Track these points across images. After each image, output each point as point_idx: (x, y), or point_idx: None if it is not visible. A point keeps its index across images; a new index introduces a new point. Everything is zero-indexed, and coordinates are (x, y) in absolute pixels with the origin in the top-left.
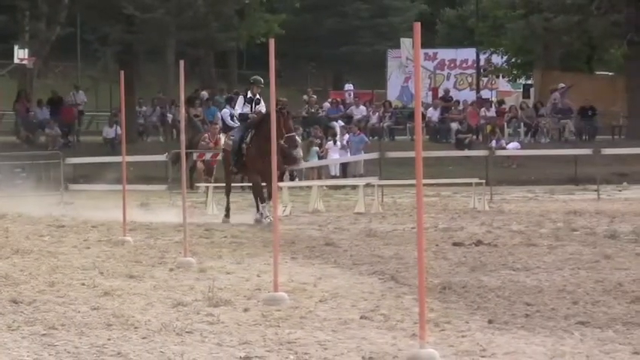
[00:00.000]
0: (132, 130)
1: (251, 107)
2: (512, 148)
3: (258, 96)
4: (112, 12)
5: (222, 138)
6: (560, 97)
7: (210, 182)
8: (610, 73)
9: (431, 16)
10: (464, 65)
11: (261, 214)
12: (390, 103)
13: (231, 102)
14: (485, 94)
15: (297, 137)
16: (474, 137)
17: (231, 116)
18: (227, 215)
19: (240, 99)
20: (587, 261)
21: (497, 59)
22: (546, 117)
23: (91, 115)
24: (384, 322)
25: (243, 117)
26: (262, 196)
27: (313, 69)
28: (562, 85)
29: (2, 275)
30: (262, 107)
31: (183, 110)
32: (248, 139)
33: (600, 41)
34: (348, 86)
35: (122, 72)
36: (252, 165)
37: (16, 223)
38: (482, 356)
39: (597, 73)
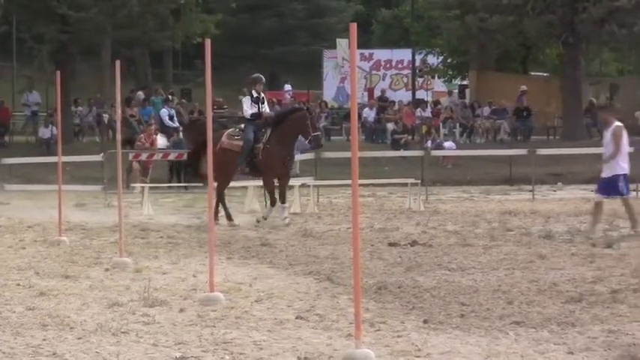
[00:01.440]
0: (68, 130)
1: (258, 106)
2: (448, 147)
3: (262, 94)
4: (45, 11)
5: (159, 139)
6: (519, 99)
7: (146, 182)
8: (545, 74)
9: (367, 17)
10: (399, 66)
11: (267, 213)
12: (326, 104)
13: (168, 102)
14: (420, 94)
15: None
16: (410, 137)
17: (170, 117)
18: (230, 218)
19: (247, 99)
20: (522, 261)
21: (433, 60)
22: (482, 117)
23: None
24: (319, 322)
25: (255, 116)
26: (274, 197)
27: (249, 69)
28: (524, 87)
29: None
30: (266, 106)
31: (119, 110)
32: (264, 139)
33: (535, 42)
34: (287, 87)
35: (58, 72)
36: (269, 166)
37: None
38: (418, 356)
39: (532, 73)
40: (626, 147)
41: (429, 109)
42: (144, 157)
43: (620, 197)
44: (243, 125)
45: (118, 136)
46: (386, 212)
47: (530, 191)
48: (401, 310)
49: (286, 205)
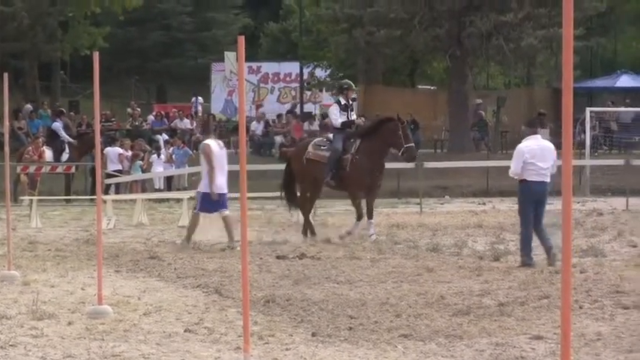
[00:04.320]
0: None
1: (347, 115)
2: None
3: (351, 102)
4: None
5: (47, 151)
6: (474, 114)
7: (34, 195)
8: (432, 87)
9: (255, 30)
10: (287, 79)
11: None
12: (214, 116)
13: (61, 115)
14: (308, 107)
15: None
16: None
17: (65, 128)
18: (313, 233)
19: (335, 107)
20: (410, 274)
21: (321, 73)
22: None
23: None
24: (208, 335)
25: (345, 125)
26: (361, 212)
27: (137, 82)
28: (479, 100)
29: None
30: (353, 115)
31: (7, 123)
32: (353, 150)
33: (422, 55)
34: (197, 99)
35: None
36: (356, 179)
37: None
38: None
39: (419, 87)
40: (220, 163)
41: (316, 123)
42: (32, 169)
43: (220, 211)
44: (331, 135)
45: (6, 149)
46: (274, 225)
47: (418, 204)
48: (289, 323)
49: (373, 220)
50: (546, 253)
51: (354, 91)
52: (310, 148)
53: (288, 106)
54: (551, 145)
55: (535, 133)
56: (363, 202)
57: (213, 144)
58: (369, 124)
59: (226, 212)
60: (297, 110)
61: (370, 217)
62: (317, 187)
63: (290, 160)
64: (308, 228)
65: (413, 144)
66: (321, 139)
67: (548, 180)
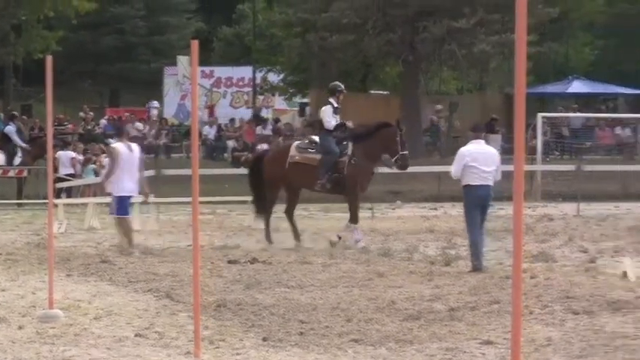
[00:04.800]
0: None
1: (338, 117)
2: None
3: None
4: None
5: None
6: (437, 119)
7: None
8: (385, 92)
9: (208, 34)
10: (240, 83)
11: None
12: (166, 121)
13: (13, 119)
14: (261, 112)
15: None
16: (250, 155)
17: (18, 132)
18: (297, 238)
19: (328, 109)
20: (361, 279)
21: (274, 77)
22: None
23: None
24: (158, 339)
25: (339, 127)
26: (358, 215)
27: (90, 86)
28: (439, 106)
29: None
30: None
31: None
32: (349, 153)
33: (375, 60)
34: (153, 103)
35: None
36: (356, 182)
37: None
38: None
39: (372, 92)
40: (128, 166)
41: (269, 127)
42: None
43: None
44: (314, 137)
45: None
46: (226, 230)
47: (370, 209)
48: (240, 328)
49: (358, 226)
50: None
51: (343, 95)
52: (295, 152)
53: (242, 111)
54: (493, 151)
55: (479, 137)
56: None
57: (122, 147)
58: (366, 128)
59: (127, 217)
60: (262, 114)
61: (353, 221)
62: (297, 191)
63: (264, 164)
64: (268, 233)
65: (407, 152)
66: (303, 141)
67: (491, 184)
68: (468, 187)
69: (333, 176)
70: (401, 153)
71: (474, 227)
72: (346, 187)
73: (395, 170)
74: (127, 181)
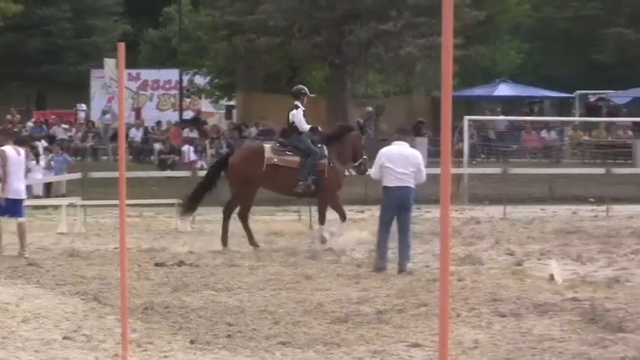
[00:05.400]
0: None
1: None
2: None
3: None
4: None
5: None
6: (366, 122)
7: None
8: (311, 95)
9: (134, 37)
10: (167, 86)
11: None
12: (93, 123)
13: None
14: (188, 114)
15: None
16: (177, 158)
17: None
18: (225, 242)
19: (300, 112)
20: (289, 281)
21: (201, 80)
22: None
23: None
24: (86, 342)
25: (313, 130)
26: (344, 211)
27: (17, 88)
28: (369, 109)
29: None
30: None
31: None
32: (327, 154)
33: (302, 63)
34: (81, 106)
35: None
36: (335, 184)
37: None
38: None
39: None
40: (16, 169)
41: (196, 130)
42: None
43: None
44: (283, 140)
45: None
46: (153, 232)
47: (296, 212)
48: (168, 331)
49: (324, 226)
50: (398, 262)
51: (307, 97)
52: (272, 154)
53: (169, 114)
54: (413, 152)
55: (402, 140)
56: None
57: (10, 150)
58: (333, 131)
59: (21, 220)
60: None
61: (323, 222)
62: (253, 192)
63: (235, 165)
64: (225, 236)
65: (367, 157)
66: (274, 143)
67: (410, 185)
68: (384, 188)
69: (313, 178)
70: (363, 157)
71: (383, 228)
72: (324, 189)
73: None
74: (16, 184)
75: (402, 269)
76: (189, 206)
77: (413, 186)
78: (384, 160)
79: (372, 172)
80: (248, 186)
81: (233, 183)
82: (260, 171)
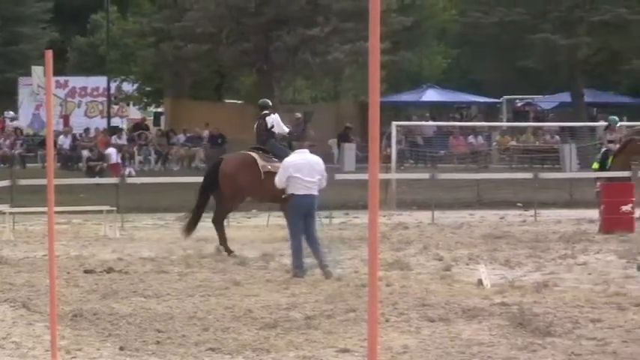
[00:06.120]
0: None
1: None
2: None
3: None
4: None
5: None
6: (294, 128)
7: None
8: (239, 102)
9: (62, 44)
10: (95, 93)
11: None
12: (21, 131)
13: None
14: (116, 121)
15: None
16: (105, 165)
17: None
18: (227, 250)
19: (277, 116)
20: (218, 288)
21: (128, 87)
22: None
23: None
24: (15, 349)
25: (290, 134)
26: None
27: None
28: (298, 115)
29: None
30: None
31: None
32: None
33: (230, 70)
34: (9, 113)
35: None
36: None
37: None
38: None
39: (227, 101)
40: None
41: (124, 137)
42: None
43: None
44: (267, 146)
45: None
46: (82, 239)
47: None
48: (97, 337)
49: None
50: (320, 267)
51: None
52: (264, 161)
53: (97, 121)
54: (318, 159)
55: (302, 147)
56: None
57: None
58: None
59: None
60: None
61: None
62: (241, 201)
63: (230, 175)
64: (225, 243)
65: None
66: (256, 151)
67: (315, 193)
68: (292, 196)
69: None
70: None
71: (296, 235)
72: None
73: None
74: None
75: (328, 274)
76: (192, 224)
77: (317, 193)
78: (291, 171)
79: (277, 181)
80: (240, 195)
81: (222, 193)
82: (258, 180)
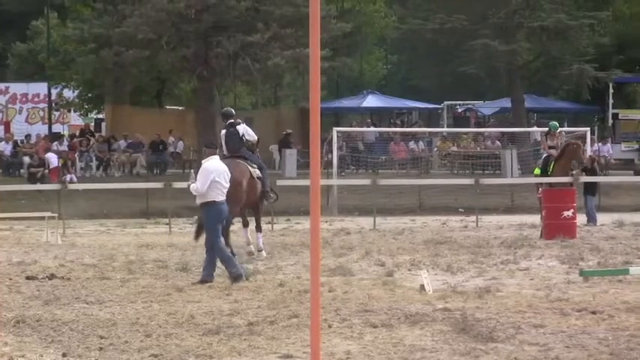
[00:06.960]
0: None
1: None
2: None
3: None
4: None
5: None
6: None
7: None
8: (180, 108)
9: (2, 50)
10: (36, 99)
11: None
12: None
13: None
14: (57, 127)
15: None
16: (47, 171)
17: None
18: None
19: (246, 125)
20: (160, 294)
21: (69, 93)
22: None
23: None
24: None
25: (258, 142)
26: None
27: None
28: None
29: None
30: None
31: None
32: None
33: (170, 76)
34: None
35: None
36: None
37: None
38: None
39: (167, 107)
40: None
41: (65, 143)
42: None
43: None
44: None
45: None
46: (23, 246)
47: (167, 224)
48: (40, 344)
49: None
50: (231, 272)
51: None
52: (250, 167)
53: (38, 127)
54: (225, 166)
55: (214, 153)
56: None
57: None
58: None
59: None
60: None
61: (260, 230)
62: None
63: (240, 186)
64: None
65: None
66: (239, 158)
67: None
68: (213, 203)
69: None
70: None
71: (219, 241)
72: (260, 198)
73: None
74: None
75: (238, 277)
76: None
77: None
78: (214, 176)
79: (199, 186)
80: (241, 202)
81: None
82: (255, 187)
